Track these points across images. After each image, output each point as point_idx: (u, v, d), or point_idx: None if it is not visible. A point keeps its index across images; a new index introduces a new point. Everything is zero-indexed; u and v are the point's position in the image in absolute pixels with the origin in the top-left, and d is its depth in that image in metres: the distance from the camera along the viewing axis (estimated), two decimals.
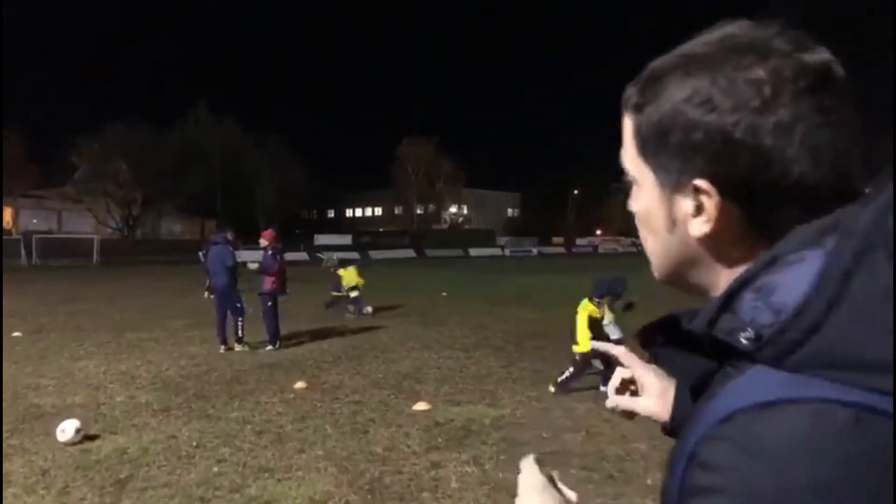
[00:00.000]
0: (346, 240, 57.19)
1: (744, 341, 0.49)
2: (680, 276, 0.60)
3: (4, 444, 4.76)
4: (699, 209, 0.54)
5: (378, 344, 9.24)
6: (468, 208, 79.06)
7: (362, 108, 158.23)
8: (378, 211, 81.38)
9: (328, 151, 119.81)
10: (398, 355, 8.36)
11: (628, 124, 0.59)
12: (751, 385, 0.48)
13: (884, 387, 0.43)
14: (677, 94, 0.54)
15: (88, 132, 50.92)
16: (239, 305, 8.96)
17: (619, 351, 0.91)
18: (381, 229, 71.36)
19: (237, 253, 9.61)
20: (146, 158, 50.89)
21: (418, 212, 70.47)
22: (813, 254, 0.48)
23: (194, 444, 4.79)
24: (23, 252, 40.24)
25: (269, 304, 9.09)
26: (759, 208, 0.52)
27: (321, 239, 54.13)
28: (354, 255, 49.49)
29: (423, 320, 11.90)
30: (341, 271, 13.75)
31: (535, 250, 65.77)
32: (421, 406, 5.72)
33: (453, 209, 75.90)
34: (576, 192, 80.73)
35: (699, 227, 0.54)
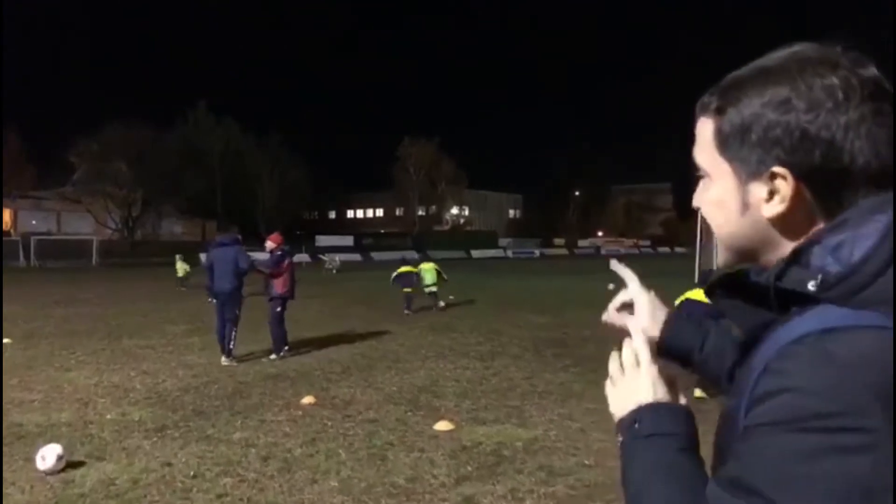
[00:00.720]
0: (348, 241, 56.67)
1: (811, 287, 0.61)
2: (749, 256, 0.70)
3: None
4: (772, 193, 0.65)
5: (388, 352, 8.69)
6: (469, 209, 78.47)
7: (363, 108, 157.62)
8: (379, 212, 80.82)
9: (329, 152, 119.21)
10: (411, 365, 7.81)
11: (707, 125, 0.70)
12: (819, 316, 0.59)
13: None
14: (757, 99, 0.65)
15: (87, 132, 50.41)
16: (237, 313, 8.31)
17: (622, 269, 0.97)
18: (382, 230, 70.80)
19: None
20: (146, 158, 50.35)
21: (420, 213, 69.89)
22: (877, 217, 0.61)
23: (191, 473, 4.23)
24: (21, 253, 39.75)
25: (279, 309, 8.55)
26: (829, 190, 0.63)
27: (322, 240, 53.59)
28: (356, 256, 49.23)
29: (432, 325, 11.35)
30: (423, 265, 14.53)
31: (537, 252, 65.27)
32: (443, 426, 5.16)
33: (454, 210, 75.32)
34: (577, 193, 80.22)
35: (772, 208, 0.65)
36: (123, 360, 8.22)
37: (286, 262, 8.65)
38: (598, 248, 72.73)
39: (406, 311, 13.16)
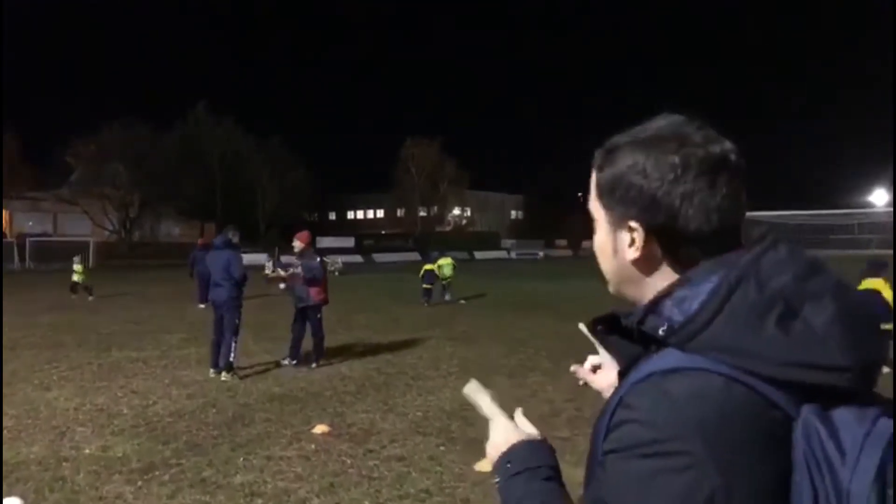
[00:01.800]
0: (349, 242, 55.78)
1: (661, 332, 0.74)
2: (623, 289, 0.86)
3: None
4: (632, 241, 0.80)
5: (406, 367, 7.83)
6: (471, 210, 77.57)
7: (362, 109, 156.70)
8: (380, 213, 79.93)
9: (328, 152, 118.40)
10: (434, 383, 6.95)
11: (593, 178, 0.85)
12: (664, 358, 0.73)
13: (745, 365, 0.68)
14: (624, 163, 0.80)
15: (84, 132, 49.53)
16: (237, 322, 7.46)
17: (596, 343, 1.07)
18: (382, 232, 69.92)
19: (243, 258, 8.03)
20: (144, 159, 49.49)
21: (422, 214, 68.98)
22: (712, 278, 0.74)
23: None
24: (15, 256, 38.85)
25: (319, 316, 7.92)
26: (672, 245, 0.78)
27: (324, 242, 52.68)
28: (358, 258, 48.31)
29: (449, 335, 10.49)
30: (441, 261, 16.07)
31: (541, 253, 64.39)
32: (487, 465, 4.30)
33: (456, 211, 74.43)
34: (579, 194, 79.44)
35: (632, 253, 0.80)
36: (111, 376, 7.37)
37: (323, 267, 7.94)
38: None
39: (424, 303, 15.07)
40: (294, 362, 7.83)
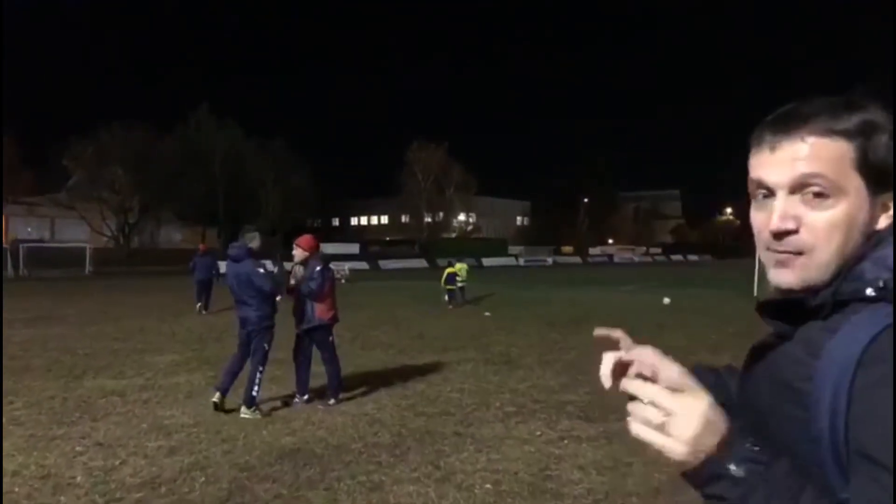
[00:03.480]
0: (354, 248, 54.23)
1: (871, 292, 0.75)
2: (831, 269, 0.79)
3: None
4: (885, 208, 0.80)
5: (448, 404, 6.21)
6: (477, 216, 75.98)
7: (367, 114, 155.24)
8: (384, 219, 78.44)
9: (332, 157, 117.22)
10: (491, 431, 5.32)
11: (839, 146, 0.78)
12: (885, 312, 0.73)
13: None
14: (885, 135, 0.79)
15: (82, 135, 48.07)
16: (266, 348, 5.97)
17: (615, 335, 0.92)
18: (387, 238, 68.37)
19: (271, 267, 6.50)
20: (144, 162, 48.04)
21: (428, 220, 67.41)
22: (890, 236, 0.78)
23: None
24: (9, 262, 37.36)
25: (331, 339, 6.31)
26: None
27: (329, 248, 51.09)
28: (364, 264, 46.71)
29: (485, 356, 8.89)
30: (457, 265, 17.06)
31: (549, 260, 62.74)
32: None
33: (462, 217, 72.84)
34: (586, 200, 77.93)
35: (884, 221, 0.80)
36: (75, 417, 5.78)
37: (329, 280, 6.32)
38: (610, 257, 70.28)
39: (449, 306, 16.00)
40: (306, 398, 6.26)
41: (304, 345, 6.30)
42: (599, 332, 0.93)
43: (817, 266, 0.79)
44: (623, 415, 0.76)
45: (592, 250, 71.95)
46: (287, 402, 6.26)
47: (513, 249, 64.42)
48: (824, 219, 0.78)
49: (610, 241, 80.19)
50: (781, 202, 0.80)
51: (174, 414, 5.82)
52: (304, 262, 6.20)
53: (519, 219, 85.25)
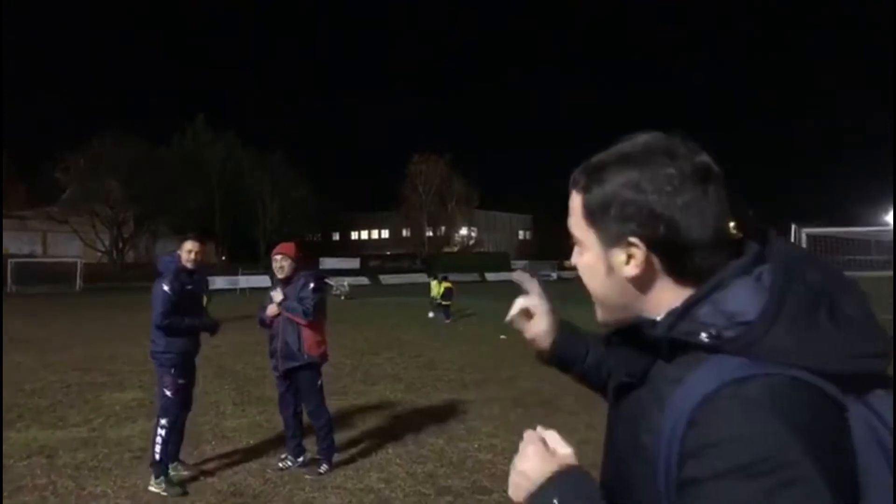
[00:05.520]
0: (354, 263, 52.79)
1: (705, 338, 0.73)
2: (615, 311, 0.85)
3: None
4: (629, 258, 0.79)
5: (478, 469, 4.70)
6: (478, 230, 74.60)
7: (365, 126, 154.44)
8: (385, 233, 77.10)
9: (332, 169, 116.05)
10: None
11: (577, 200, 0.85)
12: (722, 367, 0.71)
13: (809, 364, 0.69)
14: (616, 181, 0.79)
15: (75, 146, 46.77)
16: (168, 394, 4.51)
17: (526, 280, 1.18)
18: (388, 252, 66.96)
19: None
20: (139, 174, 46.68)
21: (429, 234, 66.00)
22: (745, 280, 0.76)
23: None
24: None
25: (319, 382, 4.78)
26: (671, 257, 0.78)
27: (328, 262, 49.75)
28: (364, 280, 45.21)
29: (512, 395, 7.37)
30: (436, 283, 17.36)
31: (554, 274, 61.20)
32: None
33: (464, 231, 71.46)
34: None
35: (630, 270, 0.80)
36: None
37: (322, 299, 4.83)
38: None
39: (448, 321, 15.94)
40: (300, 461, 4.77)
41: (288, 391, 4.81)
42: (517, 277, 1.17)
43: (599, 307, 0.89)
44: None
45: None
46: (282, 466, 4.75)
47: (515, 263, 63.00)
48: (580, 265, 0.88)
49: None
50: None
51: (106, 492, 4.29)
52: (289, 279, 4.72)
53: (521, 233, 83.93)
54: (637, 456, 0.77)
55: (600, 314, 0.88)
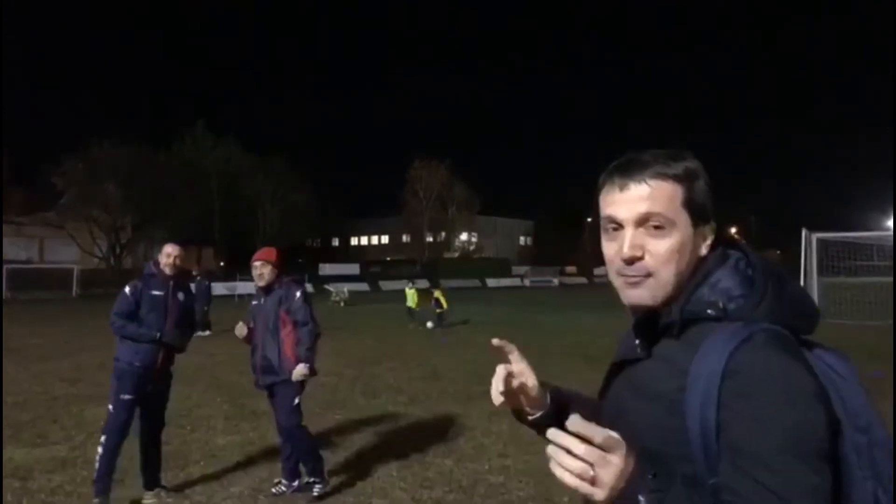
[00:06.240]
0: (354, 269, 52.37)
1: (712, 312, 0.95)
2: (677, 289, 1.00)
3: None
4: (704, 238, 1.02)
5: (491, 495, 4.28)
6: (479, 236, 74.18)
7: (368, 130, 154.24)
8: (385, 239, 76.72)
9: (332, 174, 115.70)
10: None
11: (669, 186, 0.99)
12: (735, 329, 0.91)
13: (787, 323, 0.94)
14: (703, 179, 1.02)
15: (72, 151, 46.34)
16: (110, 409, 4.18)
17: (509, 348, 1.17)
18: (387, 258, 66.52)
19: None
20: (137, 180, 46.29)
21: (429, 239, 65.57)
22: (727, 265, 1.01)
23: None
24: None
25: (296, 400, 4.31)
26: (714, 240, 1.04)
27: (327, 268, 49.36)
28: (363, 286, 44.78)
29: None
30: (412, 291, 17.83)
31: (555, 280, 60.78)
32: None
33: (464, 236, 71.02)
34: (589, 219, 76.35)
35: (705, 249, 1.02)
36: None
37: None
38: None
39: (440, 328, 16.08)
40: (295, 485, 4.35)
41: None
42: (496, 342, 1.17)
43: (662, 285, 0.99)
44: None
45: (597, 270, 70.19)
46: (275, 491, 4.33)
47: (516, 270, 62.55)
48: (664, 246, 0.99)
49: None
50: (630, 234, 0.99)
51: None
52: (270, 286, 4.32)
53: (522, 238, 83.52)
54: (664, 412, 0.93)
55: (657, 293, 1.00)
